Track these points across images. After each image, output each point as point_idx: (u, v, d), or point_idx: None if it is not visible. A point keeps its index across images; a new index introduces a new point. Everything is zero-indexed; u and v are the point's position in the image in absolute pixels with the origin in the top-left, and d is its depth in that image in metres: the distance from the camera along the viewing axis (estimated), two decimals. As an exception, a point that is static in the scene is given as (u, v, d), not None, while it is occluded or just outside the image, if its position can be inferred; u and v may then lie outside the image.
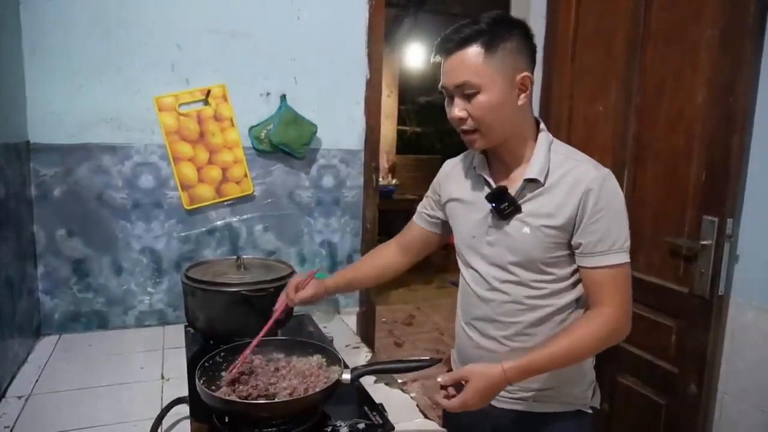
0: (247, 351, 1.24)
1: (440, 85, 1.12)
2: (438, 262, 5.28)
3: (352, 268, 1.47)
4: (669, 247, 1.67)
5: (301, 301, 1.37)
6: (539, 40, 2.14)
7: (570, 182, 1.10)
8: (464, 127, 1.12)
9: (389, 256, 1.44)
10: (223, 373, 1.24)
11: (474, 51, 1.05)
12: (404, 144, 6.86)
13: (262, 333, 1.29)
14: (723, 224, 1.49)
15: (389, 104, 6.42)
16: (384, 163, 6.24)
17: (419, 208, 1.40)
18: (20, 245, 1.51)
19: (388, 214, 5.61)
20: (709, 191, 1.53)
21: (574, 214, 1.09)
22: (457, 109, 1.10)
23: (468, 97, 1.08)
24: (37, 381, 1.39)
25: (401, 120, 6.84)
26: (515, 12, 2.33)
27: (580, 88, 2.02)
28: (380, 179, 5.74)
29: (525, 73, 1.09)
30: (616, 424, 1.87)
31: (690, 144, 1.59)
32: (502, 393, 1.23)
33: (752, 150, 1.46)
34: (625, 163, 1.80)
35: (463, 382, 1.05)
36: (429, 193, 1.37)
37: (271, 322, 1.32)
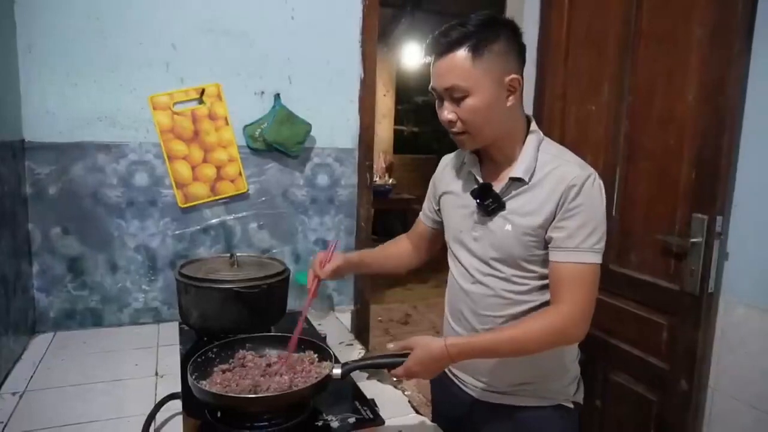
0: (295, 336, 1.27)
1: (430, 86, 1.13)
2: (434, 261, 5.27)
3: (368, 252, 1.49)
4: (660, 244, 1.68)
5: (330, 274, 1.30)
6: (532, 42, 2.15)
7: (554, 181, 1.11)
8: (454, 129, 1.13)
9: (403, 248, 1.47)
10: (215, 369, 1.25)
11: (461, 55, 1.05)
12: (401, 143, 6.86)
13: (304, 314, 1.30)
14: (713, 222, 1.50)
15: (386, 104, 6.43)
16: (381, 163, 6.24)
17: (424, 206, 1.42)
18: (15, 243, 1.52)
19: (385, 214, 5.63)
20: (699, 189, 1.54)
21: (554, 210, 1.10)
22: (447, 112, 1.11)
23: (457, 101, 1.09)
24: (31, 377, 1.39)
25: (398, 119, 6.85)
26: (509, 13, 2.34)
27: (572, 89, 2.03)
28: (377, 179, 5.77)
29: (513, 75, 1.09)
30: (608, 420, 1.88)
31: (681, 143, 1.61)
32: (484, 386, 1.25)
33: (742, 148, 1.47)
34: (616, 162, 1.81)
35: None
36: (429, 189, 1.39)
37: (309, 301, 1.29)
